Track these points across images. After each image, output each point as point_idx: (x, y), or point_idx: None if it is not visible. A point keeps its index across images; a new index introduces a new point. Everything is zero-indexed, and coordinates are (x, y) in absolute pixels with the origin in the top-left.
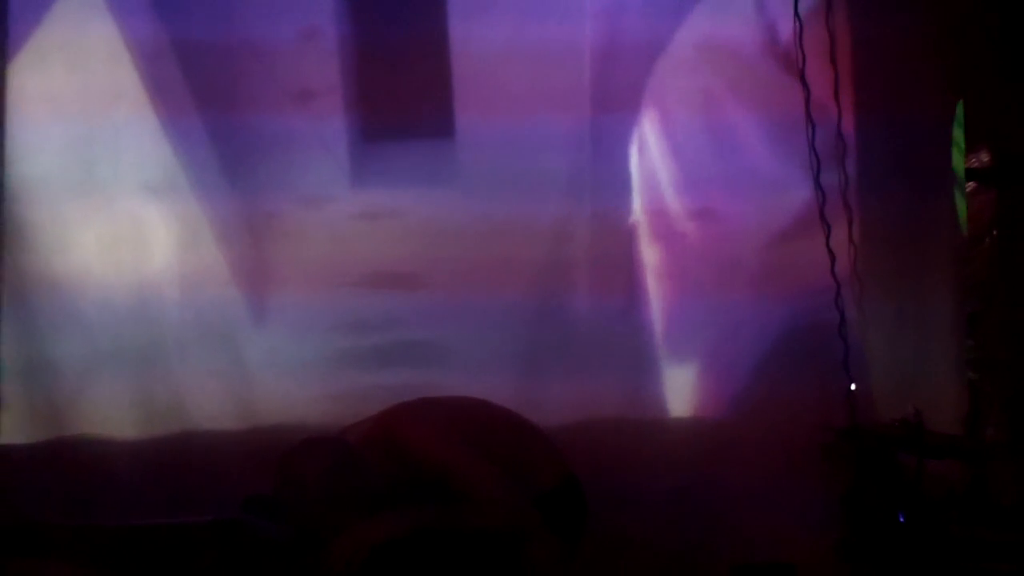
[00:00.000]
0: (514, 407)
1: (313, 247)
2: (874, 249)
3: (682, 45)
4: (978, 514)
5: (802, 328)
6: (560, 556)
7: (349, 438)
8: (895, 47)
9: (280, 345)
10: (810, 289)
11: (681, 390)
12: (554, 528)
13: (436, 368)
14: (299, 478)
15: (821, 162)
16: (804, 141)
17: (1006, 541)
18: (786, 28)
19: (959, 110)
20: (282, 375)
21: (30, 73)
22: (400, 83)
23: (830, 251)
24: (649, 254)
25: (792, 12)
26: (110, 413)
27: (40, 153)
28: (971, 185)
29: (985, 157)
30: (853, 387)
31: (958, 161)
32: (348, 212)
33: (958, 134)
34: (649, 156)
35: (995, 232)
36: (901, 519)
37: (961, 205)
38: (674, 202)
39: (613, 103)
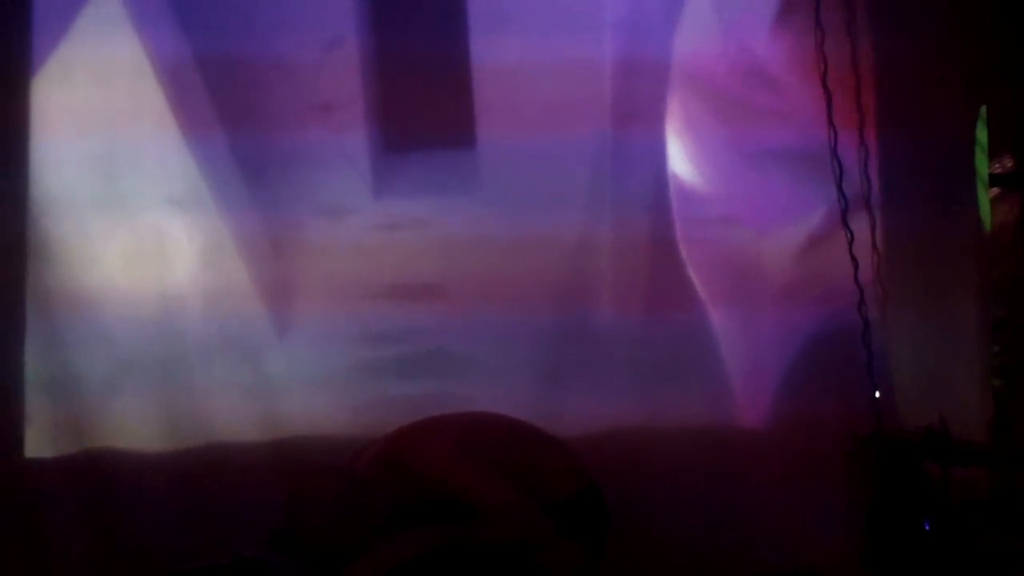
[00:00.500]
0: (536, 417)
1: (335, 259)
2: (897, 255)
3: (701, 58)
4: (1004, 522)
5: (826, 336)
6: (580, 563)
7: (360, 462)
8: (917, 53)
9: (302, 356)
10: (834, 296)
11: (705, 399)
12: (575, 535)
13: (458, 379)
14: (304, 510)
15: (844, 169)
16: (827, 149)
17: None
18: (807, 39)
19: (982, 115)
20: (304, 386)
21: (54, 87)
22: (421, 94)
23: (853, 258)
24: (671, 264)
25: (814, 22)
26: (134, 426)
27: (64, 168)
28: (995, 190)
29: (1009, 162)
30: (877, 394)
31: (982, 166)
32: (370, 223)
33: (982, 139)
34: (671, 168)
35: (1019, 237)
36: (927, 527)
37: (985, 211)
38: (697, 213)
39: (634, 116)
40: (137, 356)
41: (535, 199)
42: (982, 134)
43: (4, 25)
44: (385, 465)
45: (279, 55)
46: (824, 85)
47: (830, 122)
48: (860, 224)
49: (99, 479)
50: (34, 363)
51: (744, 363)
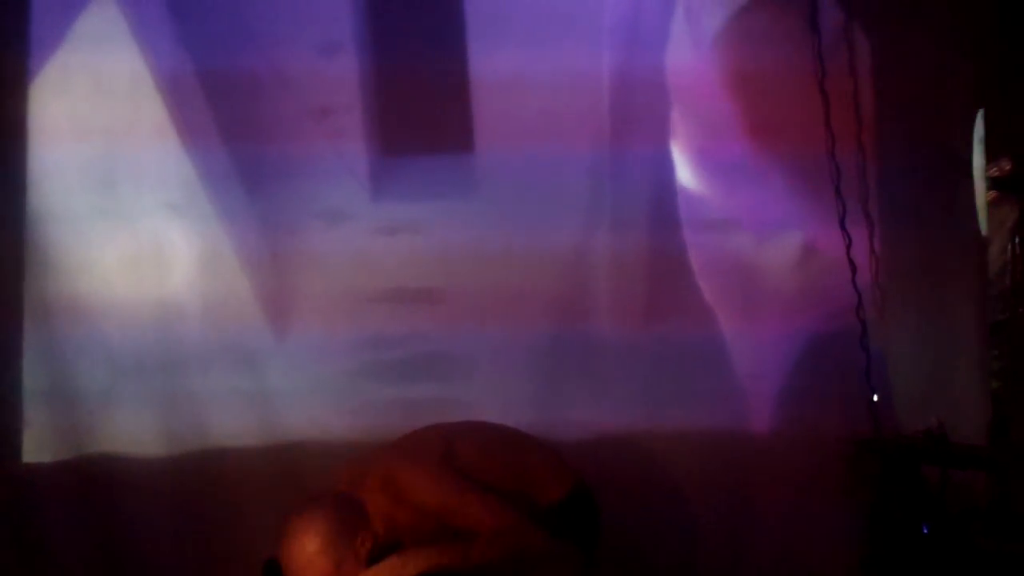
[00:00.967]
0: (534, 421)
1: (333, 264)
2: (895, 259)
3: (698, 66)
4: (1003, 525)
5: (825, 341)
6: (577, 566)
7: (348, 485)
8: (915, 57)
9: (300, 362)
10: (832, 301)
11: (704, 404)
12: (569, 535)
13: (457, 382)
14: (298, 544)
15: (841, 173)
16: (825, 154)
17: None
18: (805, 44)
19: (979, 118)
20: (303, 391)
21: (52, 95)
22: (419, 100)
23: (851, 262)
24: (670, 270)
25: (811, 26)
26: (132, 432)
27: (62, 175)
28: (992, 194)
29: (1006, 165)
30: (875, 398)
31: (979, 169)
32: (368, 228)
33: (979, 143)
34: (668, 175)
35: (1017, 240)
36: (925, 531)
37: (982, 214)
38: (695, 219)
39: (632, 124)
40: (135, 362)
41: (533, 204)
42: (980, 137)
43: (1, 33)
44: (381, 489)
45: (276, 59)
46: (822, 90)
47: (828, 127)
48: (858, 228)
49: (97, 485)
50: (32, 369)
51: (743, 369)
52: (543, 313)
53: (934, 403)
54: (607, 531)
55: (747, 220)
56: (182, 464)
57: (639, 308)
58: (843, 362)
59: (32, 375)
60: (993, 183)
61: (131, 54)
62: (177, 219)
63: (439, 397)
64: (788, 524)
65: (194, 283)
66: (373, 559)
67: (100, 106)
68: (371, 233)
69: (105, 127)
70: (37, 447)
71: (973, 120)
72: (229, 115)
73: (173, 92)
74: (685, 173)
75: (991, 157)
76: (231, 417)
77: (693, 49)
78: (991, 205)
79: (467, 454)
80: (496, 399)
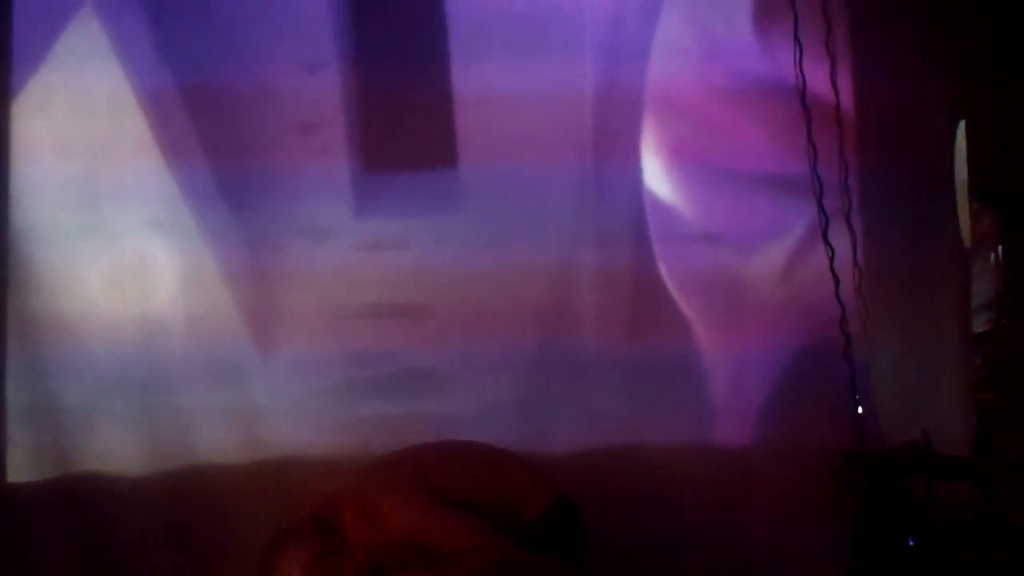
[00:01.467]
0: (519, 437)
1: (316, 280)
2: (878, 271)
3: (680, 80)
4: (989, 535)
5: (809, 353)
6: None
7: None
8: (897, 68)
9: (285, 377)
10: (815, 314)
11: (688, 418)
12: (554, 548)
13: (441, 398)
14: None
15: (824, 185)
16: (807, 165)
17: (1018, 563)
18: (786, 57)
19: (962, 129)
20: (287, 407)
21: (34, 113)
22: (402, 114)
23: (834, 274)
24: (654, 284)
25: (792, 39)
26: (117, 450)
27: (45, 193)
28: (975, 204)
29: (989, 175)
30: (860, 410)
31: (961, 181)
32: (351, 244)
33: (961, 153)
34: (652, 189)
35: (1000, 250)
36: (911, 542)
37: (965, 225)
38: (678, 233)
39: (616, 139)
40: (119, 380)
41: (517, 219)
42: (962, 148)
43: None
44: (361, 516)
45: (259, 75)
46: (803, 102)
47: (809, 139)
48: (841, 241)
49: (82, 503)
50: (16, 387)
51: (727, 382)
52: (527, 328)
53: (919, 414)
54: (592, 545)
55: (730, 234)
56: (167, 481)
57: (623, 322)
58: (827, 375)
59: (16, 393)
60: (976, 193)
61: (113, 71)
62: (160, 236)
63: (423, 413)
64: (773, 537)
65: (178, 300)
66: None
67: (83, 123)
68: (355, 249)
69: (88, 144)
70: (21, 466)
71: (955, 132)
72: (212, 132)
73: (156, 109)
74: (668, 188)
75: (974, 167)
76: (216, 433)
77: (675, 64)
78: (974, 215)
79: (444, 475)
80: (480, 415)
